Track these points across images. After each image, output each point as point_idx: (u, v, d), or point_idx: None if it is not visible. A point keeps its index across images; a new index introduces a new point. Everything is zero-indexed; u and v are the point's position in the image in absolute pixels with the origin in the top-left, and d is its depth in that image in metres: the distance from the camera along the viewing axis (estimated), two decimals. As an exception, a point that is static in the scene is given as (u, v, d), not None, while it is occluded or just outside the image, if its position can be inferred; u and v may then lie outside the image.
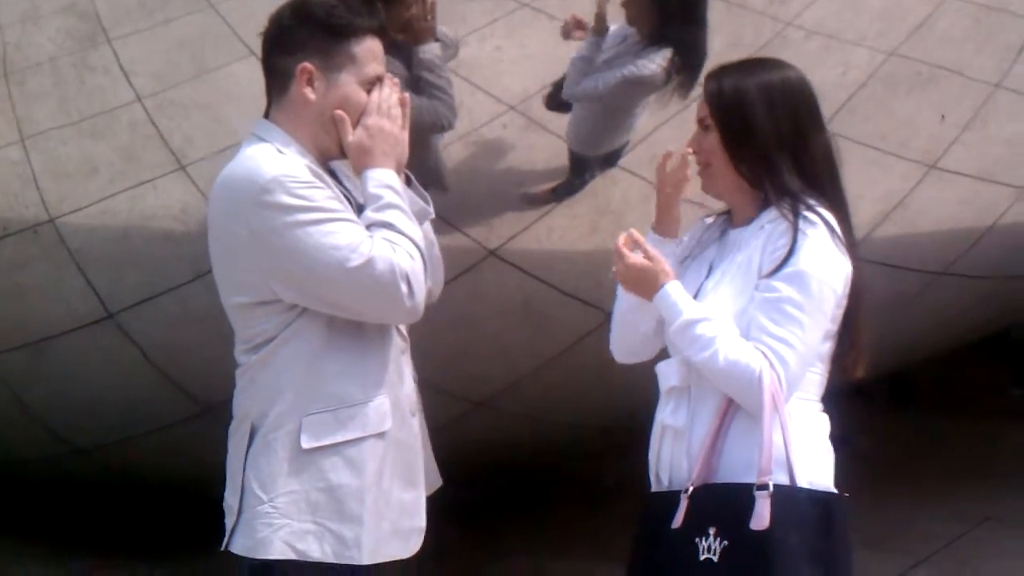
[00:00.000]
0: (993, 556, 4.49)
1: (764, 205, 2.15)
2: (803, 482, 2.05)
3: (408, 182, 2.23)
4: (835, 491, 2.10)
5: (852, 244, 2.17)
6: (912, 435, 6.13)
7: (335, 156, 2.19)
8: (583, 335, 3.50)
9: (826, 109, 3.56)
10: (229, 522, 2.14)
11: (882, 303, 4.18)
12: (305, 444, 2.08)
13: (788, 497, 1.99)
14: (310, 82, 2.10)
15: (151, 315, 3.60)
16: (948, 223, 4.02)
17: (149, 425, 3.93)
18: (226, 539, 2.13)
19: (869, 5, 3.55)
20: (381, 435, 2.13)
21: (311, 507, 2.09)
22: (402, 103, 2.16)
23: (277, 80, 2.16)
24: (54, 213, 3.47)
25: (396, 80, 2.18)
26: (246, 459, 2.11)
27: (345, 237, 2.02)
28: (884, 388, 6.10)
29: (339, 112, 2.11)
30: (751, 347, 2.05)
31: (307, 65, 2.09)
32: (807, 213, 2.09)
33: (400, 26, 3.05)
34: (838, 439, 6.48)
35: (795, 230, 2.07)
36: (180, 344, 3.68)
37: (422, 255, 2.09)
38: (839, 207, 2.18)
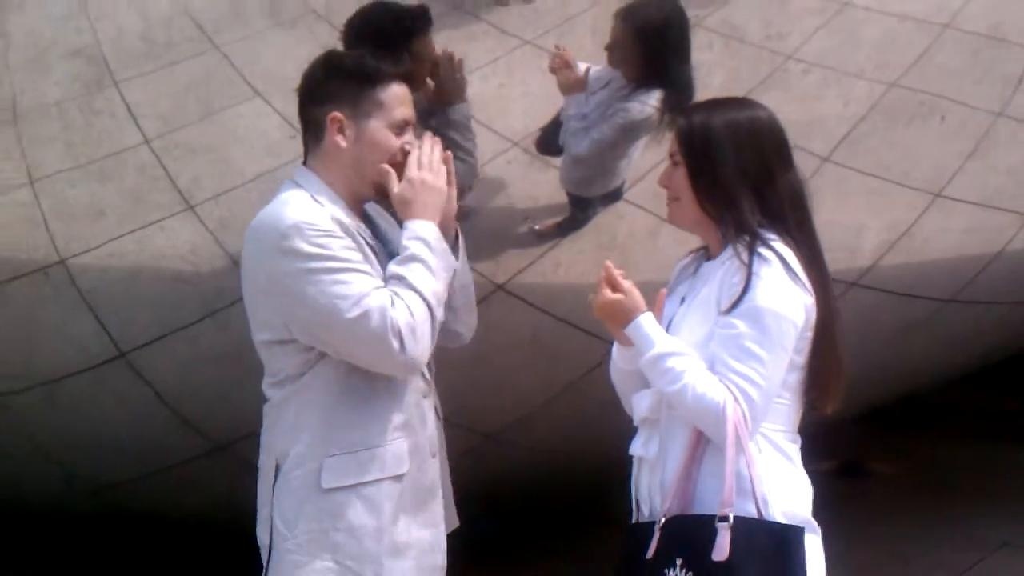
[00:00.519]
0: (1011, 583, 4.47)
1: (727, 241, 2.20)
2: (774, 512, 2.11)
3: (456, 237, 2.34)
4: (795, 524, 2.14)
5: (819, 278, 2.20)
6: (927, 459, 6.10)
7: (369, 199, 2.31)
8: (592, 367, 3.51)
9: (828, 142, 3.67)
10: (264, 557, 2.24)
11: (890, 331, 4.23)
12: (325, 484, 2.16)
13: (749, 528, 2.04)
14: (341, 130, 2.22)
15: (162, 354, 3.62)
16: (954, 251, 4.03)
17: (161, 463, 3.94)
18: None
19: (868, 38, 3.56)
20: (398, 477, 2.20)
21: (332, 546, 2.16)
22: (445, 161, 2.26)
23: (311, 130, 2.29)
24: (64, 255, 3.50)
25: (437, 138, 2.30)
26: (272, 495, 2.22)
27: (353, 288, 2.11)
28: (898, 414, 6.08)
29: (384, 167, 2.23)
30: (717, 381, 2.10)
31: (337, 114, 2.22)
32: (762, 250, 2.13)
33: (423, 80, 3.06)
34: (850, 465, 6.47)
35: (748, 268, 2.11)
36: (191, 383, 3.70)
37: (430, 310, 2.15)
38: (806, 243, 2.22)
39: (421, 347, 2.14)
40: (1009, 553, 4.73)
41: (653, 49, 3.29)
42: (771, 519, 2.09)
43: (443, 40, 3.18)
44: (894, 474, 5.93)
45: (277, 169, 3.31)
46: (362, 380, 2.19)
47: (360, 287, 2.11)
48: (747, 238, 2.14)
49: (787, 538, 2.08)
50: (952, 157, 3.82)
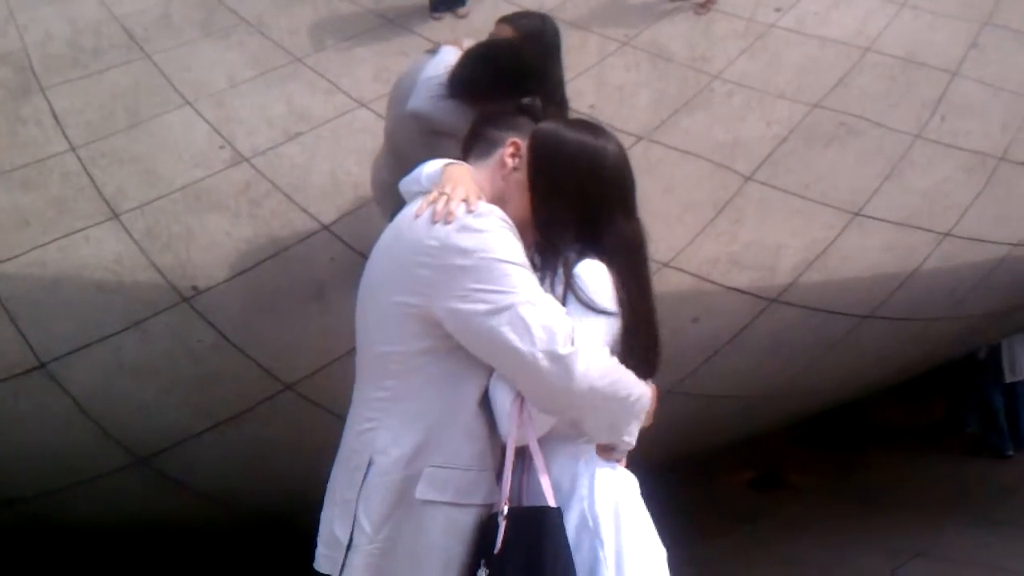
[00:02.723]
0: (924, 592, 4.58)
1: (539, 249, 2.18)
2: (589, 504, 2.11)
3: None
4: (551, 506, 2.11)
5: (628, 298, 2.14)
6: (844, 471, 6.24)
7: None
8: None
9: (751, 161, 3.75)
10: (335, 555, 2.13)
11: (810, 346, 4.32)
12: (420, 495, 2.08)
13: (516, 518, 2.06)
14: (514, 155, 2.24)
15: (83, 365, 3.56)
16: (872, 269, 4.12)
17: (81, 475, 3.87)
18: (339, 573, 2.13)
19: (790, 61, 3.65)
20: (489, 507, 2.13)
21: (409, 557, 2.09)
22: None
23: (481, 144, 2.31)
24: (-17, 263, 3.43)
25: None
26: (360, 493, 2.11)
27: None
28: (816, 426, 6.20)
29: None
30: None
31: (518, 140, 2.24)
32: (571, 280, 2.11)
33: None
34: (767, 476, 6.56)
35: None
36: (113, 394, 3.64)
37: None
38: (634, 287, 2.15)
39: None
40: (923, 562, 4.85)
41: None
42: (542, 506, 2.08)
43: (375, 54, 3.19)
44: (811, 485, 6.04)
45: (204, 180, 3.30)
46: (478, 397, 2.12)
47: None
48: (560, 267, 2.12)
49: (543, 519, 2.06)
50: (870, 178, 3.92)
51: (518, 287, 2.05)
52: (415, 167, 2.29)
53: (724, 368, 4.08)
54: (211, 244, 3.43)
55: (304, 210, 3.41)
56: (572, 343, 2.01)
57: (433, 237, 2.08)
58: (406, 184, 2.28)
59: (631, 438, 2.17)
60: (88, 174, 3.33)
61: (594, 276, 2.11)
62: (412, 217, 2.14)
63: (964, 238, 4.20)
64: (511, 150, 2.23)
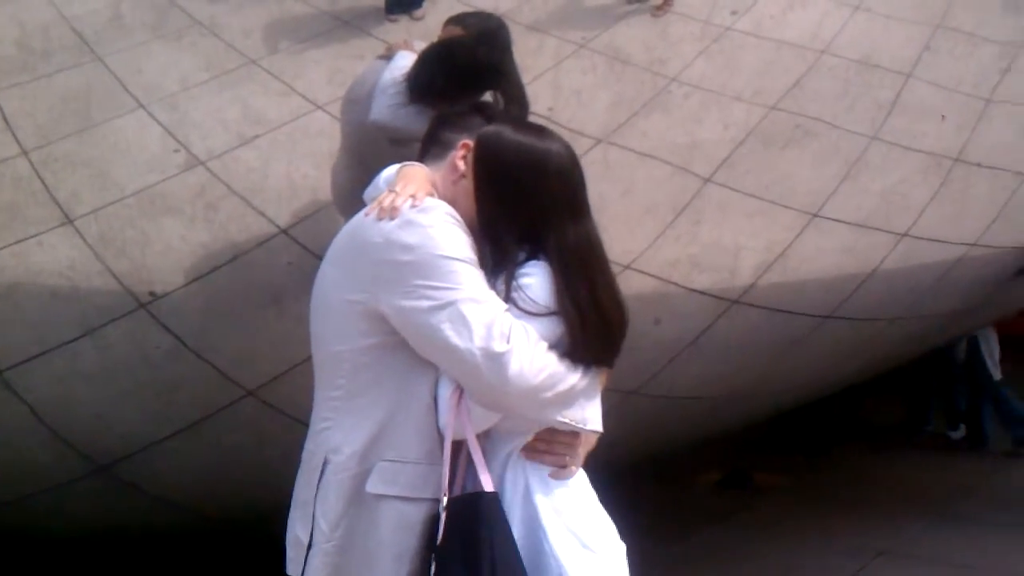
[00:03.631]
0: (888, 591, 4.61)
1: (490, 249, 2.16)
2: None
3: None
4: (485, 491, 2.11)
5: (574, 299, 2.11)
6: (808, 471, 6.27)
7: None
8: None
9: (709, 163, 3.76)
10: (298, 556, 2.15)
11: (772, 346, 4.34)
12: (370, 488, 2.09)
13: (454, 508, 2.07)
14: (464, 157, 2.22)
15: (39, 372, 3.52)
16: (831, 270, 4.14)
17: (40, 484, 3.82)
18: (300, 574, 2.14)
19: (746, 64, 3.66)
20: (436, 503, 2.12)
21: (363, 553, 2.09)
22: None
23: (436, 148, 2.30)
24: (-64, 270, 3.38)
25: None
26: (316, 492, 2.13)
27: None
28: (780, 426, 6.23)
29: None
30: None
31: (468, 143, 2.22)
32: (514, 294, 2.10)
33: None
34: (733, 476, 6.59)
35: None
36: (71, 402, 3.60)
37: None
38: (589, 304, 2.11)
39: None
40: (886, 561, 4.88)
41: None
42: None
43: (330, 56, 3.17)
44: (777, 485, 6.07)
45: (158, 184, 3.27)
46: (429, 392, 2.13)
47: None
48: (504, 275, 2.11)
49: (477, 505, 2.07)
50: (827, 179, 3.94)
51: (461, 283, 2.04)
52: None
53: (687, 369, 4.09)
54: (167, 249, 3.39)
55: (261, 214, 3.39)
56: (508, 341, 2.01)
57: (378, 233, 2.08)
58: (368, 192, 2.28)
59: (595, 425, 2.17)
60: (40, 178, 3.29)
61: (534, 278, 2.10)
62: (363, 217, 2.15)
63: (922, 238, 4.24)
64: (462, 152, 2.22)
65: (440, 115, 2.41)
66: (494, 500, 2.08)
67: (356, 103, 3.08)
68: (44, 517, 3.95)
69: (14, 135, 3.26)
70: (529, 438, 2.15)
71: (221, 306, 3.48)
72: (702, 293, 3.89)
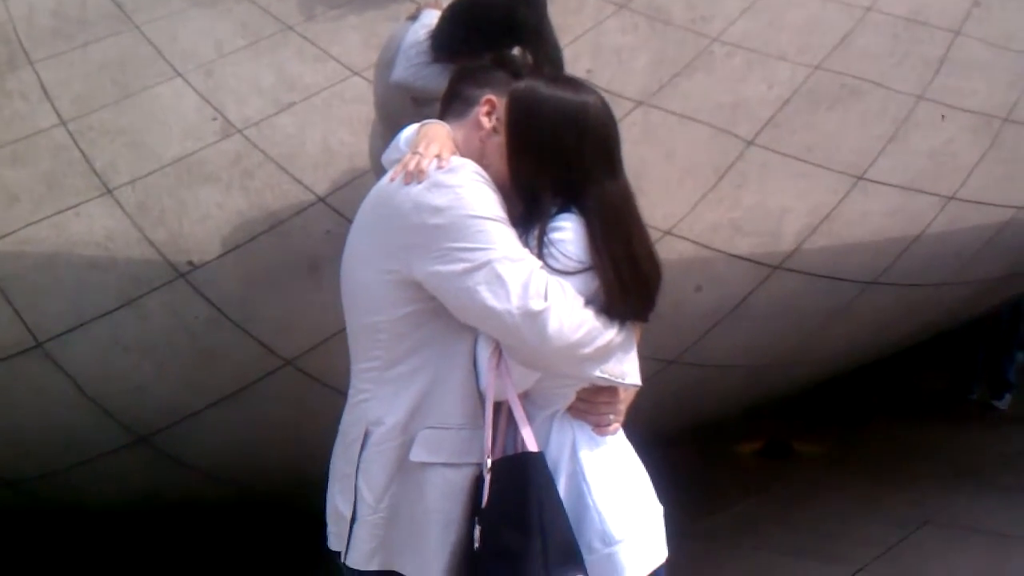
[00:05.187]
0: (933, 560, 4.54)
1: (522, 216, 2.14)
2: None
3: None
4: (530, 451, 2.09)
5: (610, 254, 2.08)
6: (851, 439, 6.22)
7: None
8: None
9: (753, 124, 3.69)
10: (341, 530, 2.13)
11: (814, 313, 4.28)
12: (414, 456, 2.07)
13: (498, 470, 2.05)
14: (488, 114, 2.19)
15: (80, 343, 3.53)
16: (876, 234, 4.08)
17: (81, 456, 3.85)
18: (344, 551, 2.13)
19: (791, 22, 3.60)
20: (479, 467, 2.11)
21: (410, 523, 2.08)
22: None
23: (456, 104, 2.26)
24: (-24, 242, 3.39)
25: None
26: (358, 465, 2.10)
27: None
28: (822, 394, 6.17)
29: None
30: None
31: (492, 98, 2.20)
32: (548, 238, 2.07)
33: None
34: (774, 445, 6.57)
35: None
36: (111, 373, 3.61)
37: None
38: (625, 262, 2.09)
39: None
40: (930, 531, 4.83)
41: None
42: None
43: (366, 20, 3.14)
44: (818, 454, 6.03)
45: (196, 152, 3.26)
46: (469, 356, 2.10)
47: None
48: (536, 231, 2.08)
49: (525, 466, 2.05)
50: (874, 140, 3.86)
51: (494, 243, 2.00)
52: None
53: (728, 337, 4.05)
54: (204, 218, 3.39)
55: (298, 181, 3.37)
56: (546, 298, 1.98)
57: (406, 198, 2.04)
58: (388, 155, 2.23)
59: (633, 379, 2.15)
60: (79, 148, 3.29)
61: (567, 232, 2.06)
62: (388, 182, 2.10)
63: (969, 201, 4.15)
64: (486, 108, 2.18)
65: (460, 70, 2.35)
66: (540, 460, 2.06)
67: (384, 67, 3.04)
68: (84, 489, 3.98)
69: (52, 105, 3.26)
70: (572, 397, 2.14)
71: (259, 275, 3.48)
72: (744, 259, 3.84)
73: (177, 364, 3.60)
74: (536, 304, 1.97)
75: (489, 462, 2.04)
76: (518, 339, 2.00)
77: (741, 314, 3.97)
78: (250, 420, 3.75)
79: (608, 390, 2.15)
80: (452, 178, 2.04)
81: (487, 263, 1.98)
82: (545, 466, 2.06)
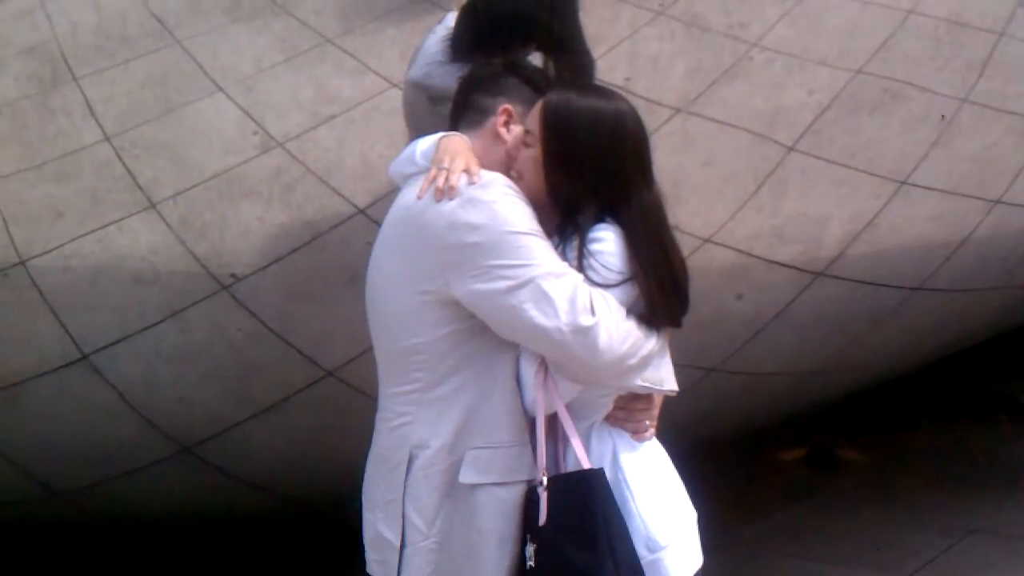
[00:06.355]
0: (979, 569, 4.48)
1: (559, 233, 2.12)
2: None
3: None
4: (594, 468, 2.09)
5: (649, 262, 2.08)
6: (895, 447, 6.15)
7: None
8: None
9: (793, 130, 3.66)
10: (386, 558, 2.10)
11: (858, 320, 4.24)
12: (463, 478, 2.04)
13: (556, 487, 2.03)
14: (507, 124, 2.17)
15: (124, 356, 3.57)
16: (920, 239, 4.03)
17: (126, 466, 3.89)
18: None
19: (830, 26, 3.57)
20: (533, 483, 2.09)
21: (465, 545, 2.06)
22: None
23: (470, 115, 2.23)
24: (23, 256, 3.44)
25: None
26: (404, 490, 2.07)
27: None
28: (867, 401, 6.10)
29: None
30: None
31: (509, 107, 2.18)
32: (585, 261, 2.05)
33: None
34: (818, 452, 6.51)
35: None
36: (155, 385, 3.65)
37: None
38: (661, 267, 2.09)
39: None
40: (977, 540, 4.76)
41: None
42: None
43: (404, 33, 3.14)
44: (863, 462, 5.97)
45: (237, 167, 3.29)
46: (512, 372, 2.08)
47: None
48: (575, 235, 2.06)
49: (586, 483, 2.04)
50: (916, 145, 3.82)
51: (535, 259, 1.97)
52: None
53: (770, 345, 4.02)
54: (245, 231, 3.41)
55: (338, 193, 3.39)
56: (594, 313, 1.96)
57: (439, 216, 2.00)
58: (397, 166, 2.19)
59: (671, 385, 2.15)
60: (123, 163, 3.33)
61: (606, 243, 2.05)
62: (414, 200, 2.05)
63: (1015, 204, 4.09)
64: (503, 118, 2.15)
65: (469, 77, 2.29)
66: (601, 476, 2.05)
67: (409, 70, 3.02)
68: (129, 500, 4.02)
69: (96, 121, 3.30)
70: (610, 406, 2.14)
71: (300, 287, 3.50)
72: (785, 266, 3.80)
73: (220, 376, 3.63)
74: (585, 320, 1.95)
75: (545, 479, 2.02)
76: (568, 355, 1.98)
77: (783, 322, 3.94)
78: (292, 431, 3.77)
79: (645, 397, 2.15)
80: (486, 194, 2.00)
81: (531, 280, 1.95)
82: (606, 482, 2.05)
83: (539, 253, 1.98)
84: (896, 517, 4.99)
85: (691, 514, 2.20)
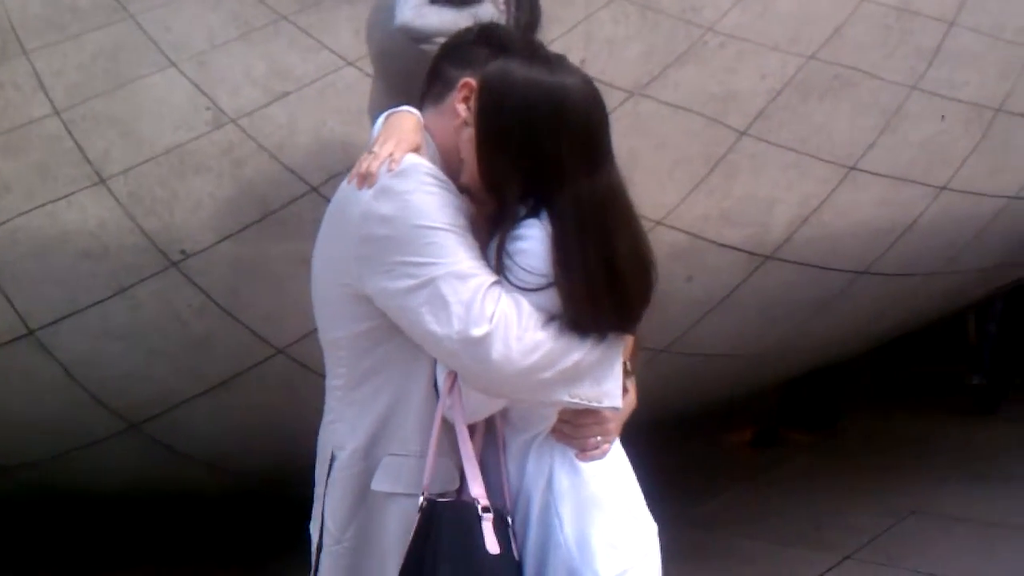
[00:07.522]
0: (919, 548, 4.57)
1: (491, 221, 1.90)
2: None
3: None
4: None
5: (582, 259, 1.82)
6: (840, 429, 6.25)
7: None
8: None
9: (744, 116, 3.70)
10: (312, 558, 2.00)
11: (805, 303, 4.30)
12: (375, 485, 1.92)
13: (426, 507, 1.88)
14: (466, 100, 1.94)
15: (72, 332, 3.53)
16: (867, 224, 4.08)
17: (74, 443, 3.86)
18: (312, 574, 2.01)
19: (783, 12, 3.58)
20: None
21: (377, 555, 1.93)
22: None
23: (436, 88, 2.02)
24: (-31, 231, 3.39)
25: None
26: (325, 492, 1.97)
27: None
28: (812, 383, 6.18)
29: None
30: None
31: (470, 81, 1.93)
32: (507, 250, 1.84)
33: None
34: (763, 434, 6.60)
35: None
36: (103, 360, 3.62)
37: None
38: (602, 267, 1.82)
39: None
40: (919, 520, 4.86)
41: None
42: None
43: (361, 11, 3.11)
44: (807, 443, 6.05)
45: (188, 142, 3.25)
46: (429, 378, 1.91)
47: None
48: (498, 238, 1.84)
49: (452, 512, 1.86)
50: (865, 131, 3.86)
51: (444, 257, 1.79)
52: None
53: (719, 327, 4.06)
54: (196, 207, 3.38)
55: (290, 170, 3.36)
56: (491, 321, 1.76)
57: (356, 205, 1.85)
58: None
59: (612, 401, 1.89)
60: (72, 138, 3.28)
61: (528, 242, 1.82)
62: (346, 184, 1.90)
63: (961, 191, 4.16)
64: (463, 93, 1.92)
65: (444, 45, 2.07)
66: (468, 511, 1.84)
67: (378, 23, 2.92)
68: (78, 475, 4.00)
69: (46, 94, 3.25)
70: (554, 419, 1.93)
71: (251, 264, 3.47)
72: (735, 248, 3.84)
73: (168, 352, 3.61)
74: (477, 330, 1.75)
75: (422, 498, 1.84)
76: (460, 366, 1.81)
77: (731, 304, 3.98)
78: (241, 408, 3.75)
79: (593, 412, 1.91)
80: (400, 183, 1.82)
81: (431, 281, 1.78)
82: (474, 519, 1.83)
83: (449, 251, 1.80)
84: (840, 498, 5.07)
85: (650, 530, 2.00)
